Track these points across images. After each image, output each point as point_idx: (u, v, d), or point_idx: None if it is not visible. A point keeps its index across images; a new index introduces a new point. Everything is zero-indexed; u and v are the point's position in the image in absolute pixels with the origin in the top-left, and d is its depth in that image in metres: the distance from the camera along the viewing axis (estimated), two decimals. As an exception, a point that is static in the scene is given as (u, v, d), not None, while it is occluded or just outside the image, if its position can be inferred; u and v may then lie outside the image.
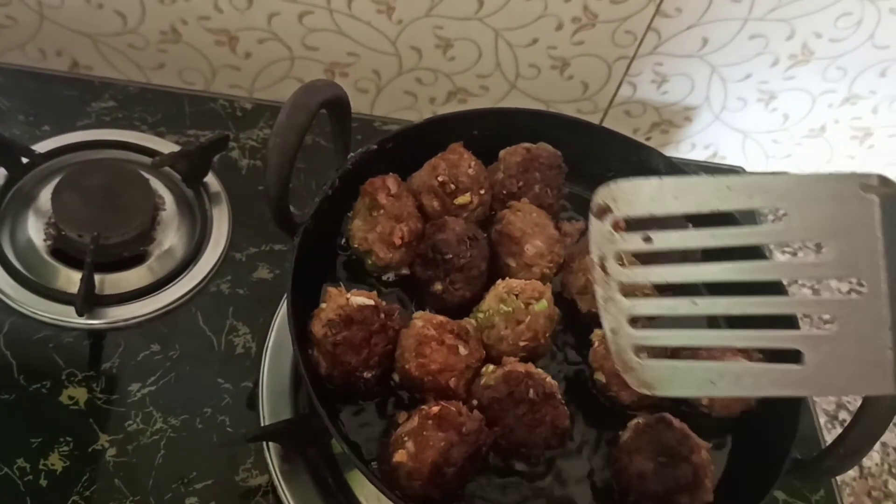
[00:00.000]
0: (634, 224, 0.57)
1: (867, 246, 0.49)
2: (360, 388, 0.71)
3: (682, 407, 0.76)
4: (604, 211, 0.57)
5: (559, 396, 0.69)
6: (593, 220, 0.57)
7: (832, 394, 0.62)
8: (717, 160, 1.24)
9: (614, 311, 0.58)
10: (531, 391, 0.67)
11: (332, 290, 0.72)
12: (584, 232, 0.85)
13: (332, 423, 0.66)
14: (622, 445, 0.71)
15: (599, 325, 0.71)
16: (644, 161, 0.87)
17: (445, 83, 1.15)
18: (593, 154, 0.88)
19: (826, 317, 0.74)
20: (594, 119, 1.19)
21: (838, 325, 0.52)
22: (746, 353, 0.72)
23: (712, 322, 0.68)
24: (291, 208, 0.72)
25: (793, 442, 0.69)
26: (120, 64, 1.11)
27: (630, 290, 0.58)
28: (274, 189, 0.70)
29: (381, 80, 1.14)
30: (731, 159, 1.23)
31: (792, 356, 0.53)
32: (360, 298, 0.71)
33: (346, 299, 0.71)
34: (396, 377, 0.72)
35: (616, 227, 0.57)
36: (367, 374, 0.70)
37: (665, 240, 0.57)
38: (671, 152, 1.20)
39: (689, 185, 0.55)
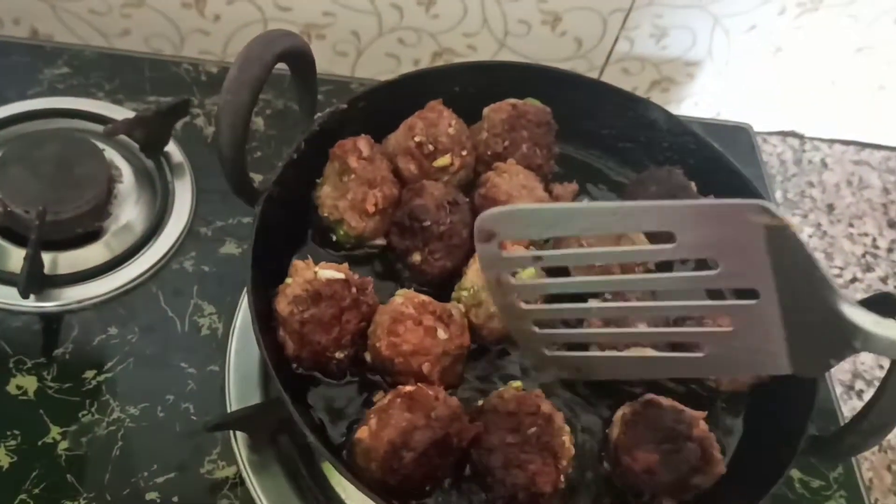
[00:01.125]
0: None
1: (758, 261, 0.55)
2: (332, 370, 0.65)
3: (692, 385, 0.71)
4: (488, 235, 0.58)
5: (564, 464, 0.61)
6: (480, 244, 0.58)
7: (733, 373, 0.69)
8: (721, 118, 1.17)
9: (516, 315, 0.62)
10: (534, 429, 0.61)
11: (298, 262, 0.66)
12: (577, 195, 0.79)
13: (298, 407, 0.60)
14: (617, 444, 0.65)
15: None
16: (641, 116, 0.81)
17: (430, 43, 1.08)
18: (586, 110, 0.82)
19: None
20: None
21: (737, 322, 0.58)
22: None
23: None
24: (260, 178, 0.66)
25: (809, 418, 0.63)
26: (82, 31, 1.04)
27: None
28: (227, 150, 0.63)
29: (361, 43, 1.08)
30: (736, 117, 1.16)
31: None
32: (328, 272, 0.65)
33: (313, 273, 0.65)
34: (368, 357, 0.65)
35: (502, 246, 0.59)
36: (339, 355, 0.65)
37: (554, 258, 0.63)
38: (673, 111, 1.13)
39: (570, 213, 0.59)
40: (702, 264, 0.58)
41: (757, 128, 1.13)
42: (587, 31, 1.07)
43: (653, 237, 0.62)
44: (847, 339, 0.53)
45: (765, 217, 0.53)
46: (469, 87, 0.80)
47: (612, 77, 1.13)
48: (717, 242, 0.55)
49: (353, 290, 0.65)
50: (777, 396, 0.68)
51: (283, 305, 0.64)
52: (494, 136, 0.77)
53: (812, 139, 1.17)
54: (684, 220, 0.55)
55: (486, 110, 0.78)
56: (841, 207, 1.10)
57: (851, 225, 1.08)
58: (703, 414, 0.65)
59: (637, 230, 0.62)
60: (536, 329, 0.63)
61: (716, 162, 0.77)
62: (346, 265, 0.67)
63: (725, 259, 0.56)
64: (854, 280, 1.02)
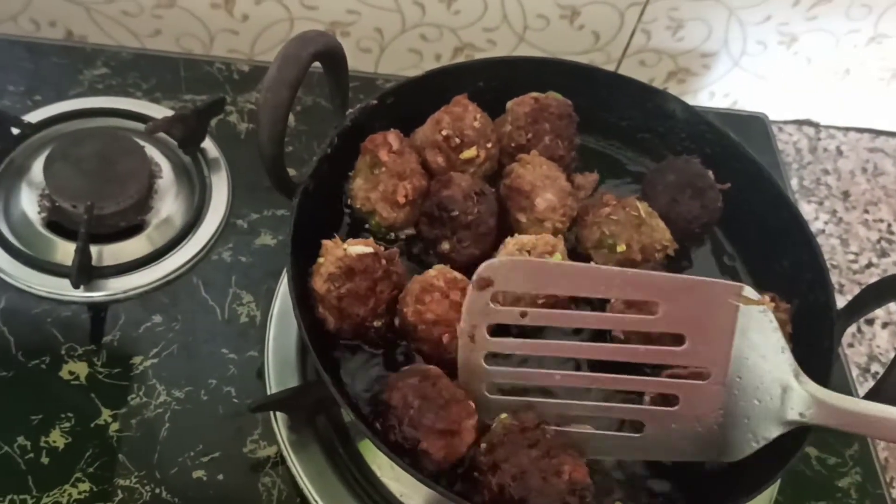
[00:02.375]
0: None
1: (721, 344, 0.60)
2: (371, 338, 0.69)
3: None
4: (485, 284, 0.60)
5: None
6: (472, 292, 0.61)
7: (664, 458, 0.67)
8: (737, 108, 1.19)
9: (476, 374, 0.63)
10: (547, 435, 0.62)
11: (327, 242, 0.69)
12: (598, 184, 0.82)
13: (338, 388, 0.63)
14: None
15: None
16: (659, 107, 0.83)
17: (451, 39, 1.11)
18: (605, 102, 0.85)
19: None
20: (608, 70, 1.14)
21: (681, 402, 0.62)
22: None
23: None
24: (293, 172, 0.69)
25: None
26: (115, 32, 1.08)
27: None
28: (268, 147, 0.66)
29: (384, 39, 1.11)
30: (751, 107, 1.18)
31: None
32: (357, 247, 0.68)
33: (343, 250, 0.67)
34: (396, 321, 0.69)
35: (494, 298, 0.61)
36: (376, 323, 0.68)
37: (538, 317, 0.63)
38: (689, 101, 1.15)
39: (570, 271, 0.62)
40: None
41: (772, 117, 1.15)
42: (605, 24, 1.09)
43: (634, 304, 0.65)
44: (787, 416, 0.59)
45: (747, 299, 0.59)
46: (492, 81, 0.82)
47: (629, 69, 1.15)
48: (695, 318, 0.60)
49: (383, 261, 0.67)
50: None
51: (319, 284, 0.67)
52: (518, 129, 0.79)
53: (827, 127, 1.19)
54: (674, 293, 0.60)
55: (509, 104, 0.81)
56: (856, 194, 1.12)
57: (867, 211, 1.10)
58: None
59: (631, 297, 0.63)
60: (487, 394, 0.64)
61: (732, 150, 0.80)
62: (371, 239, 0.70)
63: (696, 336, 0.60)
64: (870, 265, 1.05)
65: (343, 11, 1.06)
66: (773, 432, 0.61)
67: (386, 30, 1.09)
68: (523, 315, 0.62)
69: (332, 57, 0.71)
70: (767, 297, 0.63)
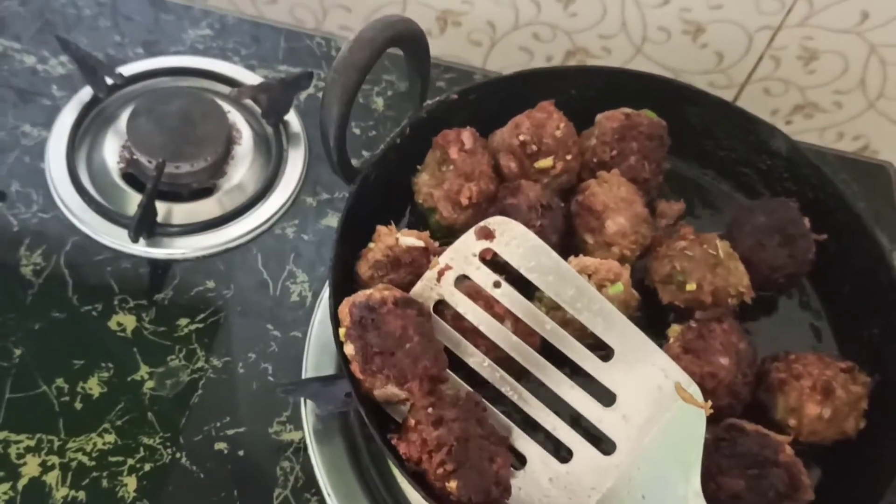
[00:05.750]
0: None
1: (641, 425, 0.59)
2: None
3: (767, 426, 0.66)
4: (486, 234, 0.61)
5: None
6: (469, 235, 0.61)
7: None
8: (867, 154, 1.09)
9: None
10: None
11: (381, 228, 0.67)
12: (682, 215, 0.76)
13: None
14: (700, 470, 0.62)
15: (679, 320, 0.65)
16: (764, 142, 0.77)
17: (564, 41, 1.06)
18: (706, 129, 0.79)
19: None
20: (728, 94, 1.07)
21: (573, 460, 0.60)
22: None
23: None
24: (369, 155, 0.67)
25: (889, 486, 0.58)
26: (234, -6, 1.09)
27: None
28: (330, 127, 0.64)
29: (496, 33, 1.07)
30: (884, 154, 1.08)
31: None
32: (409, 239, 0.66)
33: (395, 239, 0.66)
34: None
35: (482, 255, 0.61)
36: None
37: (506, 296, 0.61)
38: (814, 140, 1.07)
39: (563, 275, 0.61)
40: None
41: (906, 169, 1.05)
42: (730, 45, 1.02)
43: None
44: None
45: (688, 394, 0.58)
46: (586, 91, 0.78)
47: (752, 96, 1.07)
48: (634, 385, 0.59)
49: (432, 257, 0.65)
50: (859, 455, 0.63)
51: (364, 269, 0.66)
52: (603, 144, 0.74)
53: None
54: (632, 351, 0.59)
55: (598, 117, 0.76)
56: None
57: None
58: (788, 438, 0.61)
59: (594, 329, 0.61)
60: None
61: (836, 200, 0.72)
62: (427, 234, 0.67)
63: (625, 402, 0.59)
64: None
65: (457, 1, 1.04)
66: None
67: (498, 24, 1.06)
68: (496, 285, 0.61)
69: (412, 44, 0.68)
70: (709, 404, 0.59)
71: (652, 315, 0.69)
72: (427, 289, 0.62)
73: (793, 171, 0.75)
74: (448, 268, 0.62)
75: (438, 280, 0.62)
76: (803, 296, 0.74)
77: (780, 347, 0.68)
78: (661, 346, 0.65)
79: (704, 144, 0.79)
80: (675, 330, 0.66)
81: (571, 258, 0.68)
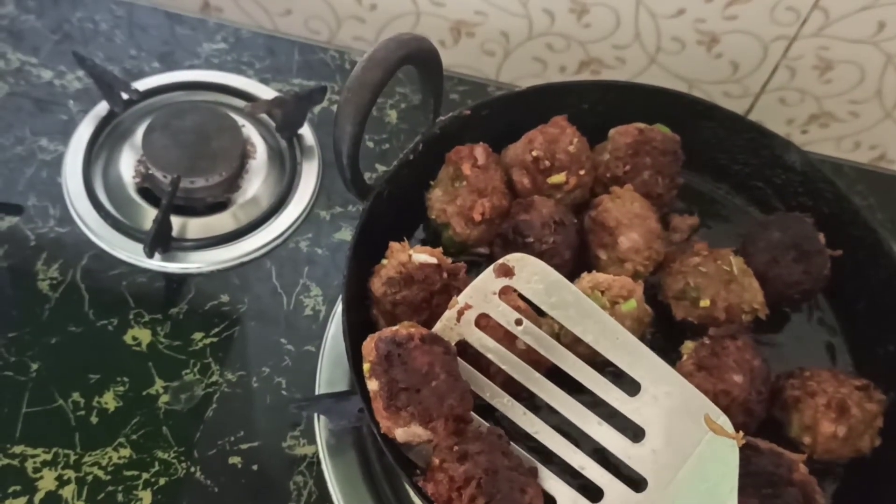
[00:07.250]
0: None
1: (673, 459, 0.58)
2: None
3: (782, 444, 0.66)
4: (506, 272, 0.60)
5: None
6: (489, 273, 0.60)
7: None
8: (883, 164, 1.08)
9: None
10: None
11: (394, 244, 0.67)
12: (695, 229, 0.76)
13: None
14: None
15: (693, 336, 0.65)
16: (779, 157, 0.76)
17: (578, 52, 1.06)
18: (721, 143, 0.78)
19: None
20: (743, 105, 1.06)
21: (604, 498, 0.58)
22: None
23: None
24: (383, 169, 0.67)
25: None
26: (248, 7, 1.09)
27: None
28: (343, 145, 0.65)
29: (510, 44, 1.07)
30: (900, 165, 1.07)
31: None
32: (422, 256, 0.65)
33: (408, 256, 0.65)
34: None
35: (503, 292, 0.60)
36: None
37: (529, 334, 0.60)
38: (830, 150, 1.06)
39: (585, 309, 0.60)
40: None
41: (923, 181, 1.04)
42: (745, 55, 1.01)
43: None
44: None
45: (718, 426, 0.58)
46: (599, 105, 0.78)
47: (767, 106, 1.07)
48: (664, 420, 0.58)
49: (445, 274, 0.65)
50: (874, 473, 0.63)
51: (377, 285, 0.65)
52: (616, 160, 0.74)
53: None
54: (658, 382, 0.58)
55: (612, 132, 0.76)
56: None
57: None
58: (802, 457, 0.61)
59: (617, 363, 0.60)
60: None
61: (852, 215, 0.71)
62: (439, 250, 0.67)
63: (655, 438, 0.58)
64: None
65: (471, 11, 1.04)
66: None
67: (512, 35, 1.06)
68: (518, 323, 0.60)
69: (425, 62, 0.68)
70: (740, 435, 0.58)
71: (665, 331, 0.69)
72: (447, 329, 0.61)
73: (808, 185, 0.75)
74: (468, 307, 0.61)
75: (458, 319, 0.61)
76: (818, 312, 0.73)
77: (794, 364, 0.67)
78: (673, 362, 0.65)
79: (718, 158, 0.79)
80: (688, 347, 0.66)
81: (584, 274, 0.68)
